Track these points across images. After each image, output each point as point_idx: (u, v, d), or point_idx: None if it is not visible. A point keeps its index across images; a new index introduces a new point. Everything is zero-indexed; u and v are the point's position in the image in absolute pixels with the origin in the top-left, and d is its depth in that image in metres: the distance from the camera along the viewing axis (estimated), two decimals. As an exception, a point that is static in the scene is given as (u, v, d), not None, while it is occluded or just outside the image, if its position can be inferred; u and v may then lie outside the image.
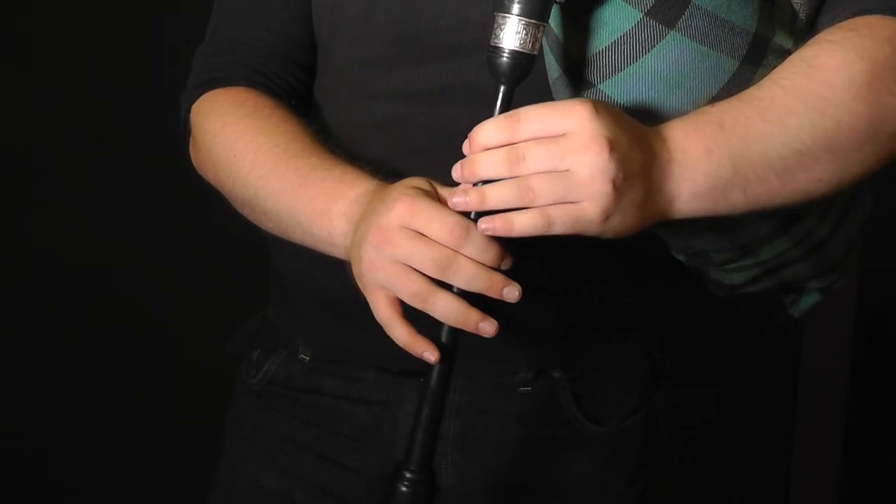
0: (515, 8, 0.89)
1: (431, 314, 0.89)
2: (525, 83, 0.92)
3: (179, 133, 1.17)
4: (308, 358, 1.20)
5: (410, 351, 0.90)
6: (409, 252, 0.87)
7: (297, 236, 1.03)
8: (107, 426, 2.11)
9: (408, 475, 0.93)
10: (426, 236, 0.88)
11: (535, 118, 0.85)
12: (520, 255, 0.90)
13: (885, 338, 2.35)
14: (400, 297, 0.89)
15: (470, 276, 0.87)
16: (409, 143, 1.08)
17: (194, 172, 1.15)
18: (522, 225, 0.86)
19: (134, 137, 2.01)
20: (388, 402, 1.16)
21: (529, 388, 1.15)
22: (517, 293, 0.88)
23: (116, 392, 2.11)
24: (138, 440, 2.12)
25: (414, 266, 0.88)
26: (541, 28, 0.90)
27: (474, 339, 0.89)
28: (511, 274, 0.98)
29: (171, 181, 1.74)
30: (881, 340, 2.36)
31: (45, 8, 1.98)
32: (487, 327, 0.88)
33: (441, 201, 0.90)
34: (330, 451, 1.19)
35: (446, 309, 0.88)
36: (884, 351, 2.36)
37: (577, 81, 0.96)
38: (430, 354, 0.90)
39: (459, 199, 0.88)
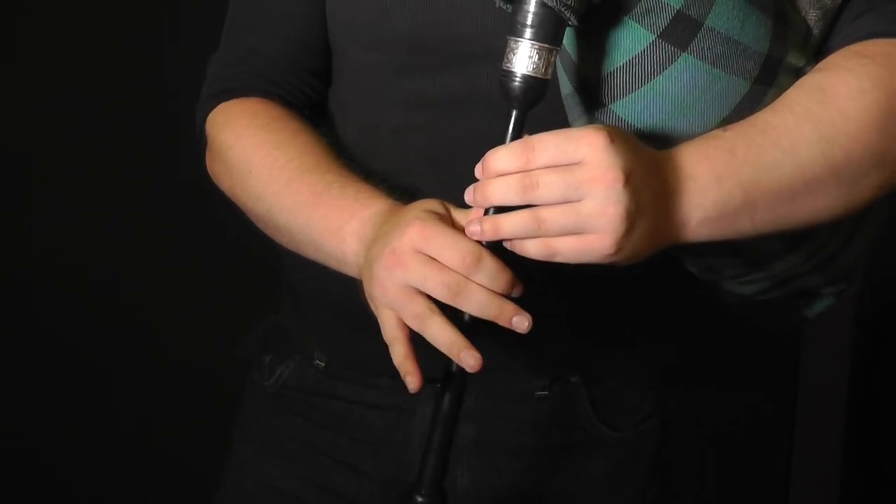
0: (528, 32, 0.88)
1: (426, 336, 0.88)
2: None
3: (195, 143, 1.16)
4: (323, 364, 1.20)
5: (399, 370, 0.90)
6: (420, 276, 0.87)
7: (310, 253, 1.03)
8: (107, 427, 2.11)
9: (419, 499, 0.93)
10: (438, 261, 0.87)
11: (550, 146, 0.85)
12: (535, 268, 0.89)
13: (886, 338, 2.35)
14: (402, 318, 0.89)
15: (481, 303, 0.87)
16: (422, 152, 1.08)
17: (204, 178, 1.15)
18: (528, 253, 0.87)
19: (141, 140, 2.01)
20: (401, 408, 1.16)
21: (546, 393, 1.16)
22: (527, 323, 0.88)
23: (118, 393, 2.11)
24: (139, 441, 2.12)
25: (426, 290, 0.87)
26: (554, 52, 0.89)
27: (490, 348, 0.89)
28: (527, 286, 0.98)
29: (177, 183, 1.74)
30: (881, 341, 2.36)
31: (46, 8, 1.97)
32: (469, 359, 0.87)
33: (455, 225, 0.90)
34: (343, 455, 1.19)
35: (437, 332, 0.88)
36: (884, 352, 2.36)
37: (589, 100, 0.96)
38: (411, 381, 0.90)
39: (474, 228, 0.87)
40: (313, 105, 1.16)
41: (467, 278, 0.87)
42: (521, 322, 0.88)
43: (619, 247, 0.86)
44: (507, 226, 0.86)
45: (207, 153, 1.14)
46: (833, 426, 2.35)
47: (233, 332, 1.34)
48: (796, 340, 2.36)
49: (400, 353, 0.90)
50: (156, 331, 2.10)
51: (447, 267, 0.87)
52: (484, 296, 0.87)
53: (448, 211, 0.92)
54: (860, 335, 2.33)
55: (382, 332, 0.91)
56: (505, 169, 0.86)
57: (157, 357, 2.11)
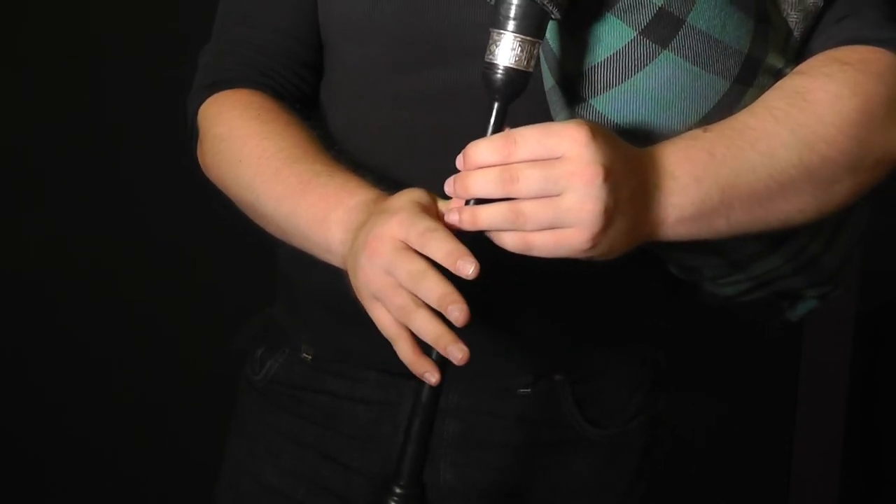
0: (511, 25, 0.88)
1: (411, 328, 0.88)
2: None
3: (186, 134, 1.17)
4: (310, 357, 1.21)
5: (412, 369, 0.90)
6: (390, 262, 0.87)
7: (297, 242, 1.04)
8: (107, 426, 2.11)
9: (398, 490, 0.93)
10: (413, 250, 0.87)
11: (530, 140, 0.85)
12: (519, 265, 0.90)
13: (886, 338, 2.35)
14: (387, 307, 0.89)
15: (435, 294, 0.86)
16: (411, 146, 1.09)
17: (199, 170, 1.15)
18: (505, 244, 0.87)
19: (137, 135, 2.01)
20: (388, 402, 1.17)
21: (529, 391, 1.16)
22: (463, 317, 0.85)
23: (117, 392, 2.11)
24: (139, 440, 2.12)
25: (394, 277, 0.88)
26: (536, 45, 0.89)
27: (475, 345, 0.88)
28: (511, 285, 0.99)
29: (174, 178, 1.74)
30: (881, 341, 2.35)
31: (46, 7, 1.98)
32: (456, 353, 0.86)
33: (439, 216, 0.90)
34: (331, 450, 1.20)
35: (423, 326, 0.87)
36: (884, 351, 2.36)
37: (570, 95, 0.96)
38: (431, 376, 0.90)
39: (453, 217, 0.88)
40: (305, 98, 1.16)
41: (429, 266, 0.86)
42: (455, 313, 0.86)
43: (595, 242, 0.86)
44: (484, 217, 0.86)
45: (199, 144, 1.14)
46: (833, 426, 2.35)
47: (236, 326, 1.34)
48: (796, 341, 2.35)
49: (408, 351, 0.90)
50: (158, 329, 2.10)
51: (416, 254, 0.87)
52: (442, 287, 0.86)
53: (434, 201, 0.92)
54: (860, 335, 2.32)
55: (378, 326, 0.91)
56: (485, 161, 0.86)
57: (160, 355, 2.11)
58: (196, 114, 1.14)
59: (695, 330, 1.85)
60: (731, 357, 2.30)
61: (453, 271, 0.85)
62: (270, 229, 1.07)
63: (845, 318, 2.29)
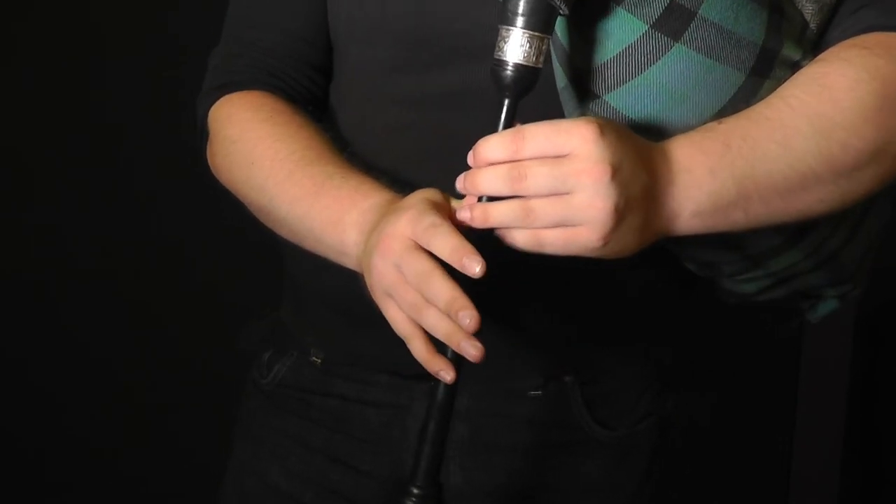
0: (519, 21, 0.88)
1: (422, 326, 0.88)
2: (533, 90, 0.91)
3: (195, 135, 1.16)
4: (320, 360, 1.20)
5: (427, 368, 0.89)
6: (400, 260, 0.87)
7: (310, 244, 1.03)
8: (107, 426, 2.11)
9: (415, 491, 0.92)
10: (423, 249, 0.87)
11: (539, 137, 0.85)
12: (530, 264, 0.90)
13: (886, 338, 2.35)
14: (399, 305, 0.89)
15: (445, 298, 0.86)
16: (419, 148, 1.08)
17: (206, 171, 1.15)
18: (516, 242, 0.87)
19: (137, 135, 2.01)
20: (399, 405, 1.16)
21: (540, 393, 1.15)
22: (473, 323, 0.85)
23: (118, 392, 2.11)
24: (139, 440, 2.12)
25: (403, 274, 0.87)
26: (545, 41, 0.89)
27: (485, 345, 0.88)
28: (522, 285, 0.98)
29: (175, 178, 1.75)
30: (881, 341, 2.35)
31: (46, 6, 1.98)
32: (470, 349, 0.86)
33: (451, 215, 0.90)
34: (341, 453, 1.19)
35: (435, 322, 0.87)
36: (884, 351, 2.36)
37: (583, 92, 0.96)
38: (447, 374, 0.89)
39: (464, 214, 0.88)
40: (316, 100, 1.16)
41: (435, 266, 0.86)
42: (470, 325, 0.85)
43: (606, 240, 0.85)
44: (495, 214, 0.86)
45: (209, 146, 1.14)
46: (833, 426, 2.35)
47: (240, 327, 1.33)
48: (796, 341, 2.35)
49: (422, 349, 0.89)
50: (162, 330, 2.10)
51: (424, 254, 0.87)
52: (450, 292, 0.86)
53: (447, 201, 0.92)
54: (860, 335, 2.32)
55: (392, 324, 0.91)
56: (494, 157, 0.86)
57: (163, 356, 2.11)
58: (206, 115, 1.14)
59: (695, 329, 1.85)
60: (731, 356, 2.30)
61: (459, 269, 0.85)
62: (282, 232, 1.07)
63: (846, 317, 2.29)
